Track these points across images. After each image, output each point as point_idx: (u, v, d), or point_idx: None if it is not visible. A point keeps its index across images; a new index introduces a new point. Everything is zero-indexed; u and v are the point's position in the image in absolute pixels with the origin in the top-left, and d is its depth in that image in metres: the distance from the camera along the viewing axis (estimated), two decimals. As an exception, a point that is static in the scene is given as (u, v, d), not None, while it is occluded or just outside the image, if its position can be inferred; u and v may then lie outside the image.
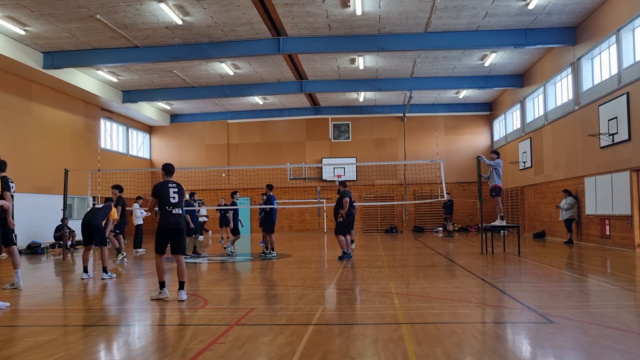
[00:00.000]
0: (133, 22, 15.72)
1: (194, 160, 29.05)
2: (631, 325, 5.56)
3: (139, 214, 16.81)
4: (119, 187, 13.68)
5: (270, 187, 14.71)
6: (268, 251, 14.34)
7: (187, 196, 7.57)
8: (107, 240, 10.98)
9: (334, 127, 28.89)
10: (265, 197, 14.74)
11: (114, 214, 11.52)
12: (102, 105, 24.00)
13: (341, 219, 13.09)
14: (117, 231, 14.51)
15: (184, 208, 9.09)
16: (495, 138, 27.89)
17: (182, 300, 7.36)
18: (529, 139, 22.13)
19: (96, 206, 11.05)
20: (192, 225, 14.79)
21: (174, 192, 7.72)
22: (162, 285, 7.62)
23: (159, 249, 7.68)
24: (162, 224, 7.66)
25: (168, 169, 7.96)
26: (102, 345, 5.22)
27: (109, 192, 14.55)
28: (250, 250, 17.05)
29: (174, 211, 7.66)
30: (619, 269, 10.51)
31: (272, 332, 5.45)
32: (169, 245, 7.79)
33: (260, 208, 15.11)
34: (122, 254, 13.85)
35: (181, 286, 7.57)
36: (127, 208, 15.38)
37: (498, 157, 14.06)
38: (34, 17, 15.05)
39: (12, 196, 8.44)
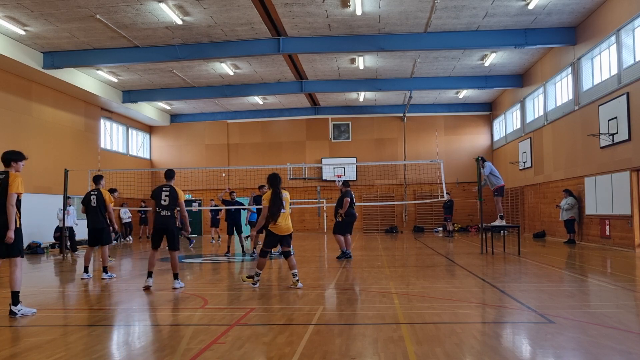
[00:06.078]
0: (133, 22, 15.72)
1: (194, 160, 29.05)
2: (631, 325, 5.56)
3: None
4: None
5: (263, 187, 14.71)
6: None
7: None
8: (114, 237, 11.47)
9: (334, 127, 28.89)
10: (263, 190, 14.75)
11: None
12: (102, 105, 23.99)
13: (340, 219, 13.14)
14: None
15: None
16: (495, 138, 27.88)
17: (83, 279, 9.60)
18: (529, 139, 22.13)
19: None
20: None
21: (94, 199, 9.75)
22: (85, 269, 9.94)
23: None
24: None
25: (94, 178, 9.83)
26: (102, 345, 5.21)
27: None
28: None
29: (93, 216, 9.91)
30: (619, 269, 10.51)
31: (272, 332, 5.45)
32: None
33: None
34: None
35: (85, 270, 10.00)
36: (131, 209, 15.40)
37: (485, 162, 14.04)
38: (34, 17, 15.05)
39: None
